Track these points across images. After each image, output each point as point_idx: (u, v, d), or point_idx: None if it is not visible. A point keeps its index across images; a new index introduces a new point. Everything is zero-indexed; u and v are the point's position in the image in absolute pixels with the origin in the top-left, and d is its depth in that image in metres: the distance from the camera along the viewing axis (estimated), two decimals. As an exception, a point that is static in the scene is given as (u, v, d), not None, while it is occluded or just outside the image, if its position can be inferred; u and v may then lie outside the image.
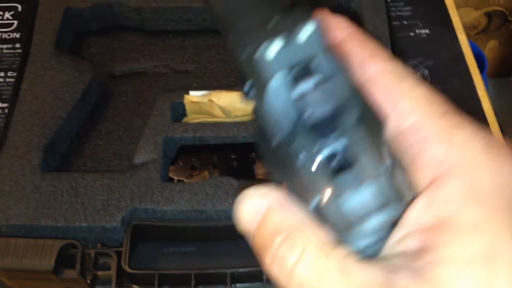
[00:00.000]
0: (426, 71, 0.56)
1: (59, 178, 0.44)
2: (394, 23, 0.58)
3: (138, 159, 0.46)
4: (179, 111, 0.49)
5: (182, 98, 0.49)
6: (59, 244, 0.40)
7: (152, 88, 0.54)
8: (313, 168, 0.17)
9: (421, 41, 0.58)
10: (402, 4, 0.61)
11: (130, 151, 0.49)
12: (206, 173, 0.48)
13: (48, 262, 0.39)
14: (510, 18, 1.17)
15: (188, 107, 0.49)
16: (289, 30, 0.17)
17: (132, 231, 0.42)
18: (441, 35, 0.58)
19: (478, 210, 0.16)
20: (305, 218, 0.18)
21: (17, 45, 0.61)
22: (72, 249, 0.41)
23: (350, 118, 0.17)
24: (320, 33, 0.17)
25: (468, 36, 1.19)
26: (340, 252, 0.17)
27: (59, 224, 0.42)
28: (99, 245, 0.42)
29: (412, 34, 0.58)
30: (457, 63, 0.57)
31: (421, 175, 0.18)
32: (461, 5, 1.12)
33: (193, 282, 0.40)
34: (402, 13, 0.60)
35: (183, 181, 0.47)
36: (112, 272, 0.41)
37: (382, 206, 0.17)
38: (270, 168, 0.20)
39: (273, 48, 0.17)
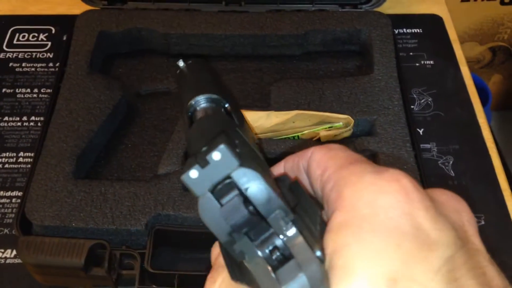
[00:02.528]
0: (430, 99, 0.59)
1: (90, 185, 0.48)
2: (401, 54, 0.62)
3: (162, 170, 0.50)
4: (200, 128, 0.53)
5: (204, 116, 0.53)
6: (89, 243, 0.43)
7: (175, 107, 0.58)
8: (258, 268, 0.21)
9: (426, 71, 0.62)
10: (408, 37, 0.66)
11: (153, 163, 0.54)
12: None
13: (78, 260, 0.43)
14: (514, 54, 1.22)
15: (208, 125, 0.53)
16: (204, 155, 0.20)
17: (154, 235, 0.46)
18: (444, 66, 0.63)
19: (347, 235, 0.21)
20: None
21: (50, 64, 0.66)
22: (100, 249, 0.44)
23: (280, 215, 0.21)
24: (230, 152, 0.20)
25: (473, 69, 1.23)
26: None
27: (89, 226, 0.45)
28: (123, 247, 0.46)
29: (417, 64, 0.63)
30: (459, 93, 0.61)
31: (329, 211, 0.23)
32: (466, 40, 1.16)
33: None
34: (408, 45, 0.65)
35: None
36: (136, 272, 0.44)
37: None
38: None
39: (193, 172, 0.20)
